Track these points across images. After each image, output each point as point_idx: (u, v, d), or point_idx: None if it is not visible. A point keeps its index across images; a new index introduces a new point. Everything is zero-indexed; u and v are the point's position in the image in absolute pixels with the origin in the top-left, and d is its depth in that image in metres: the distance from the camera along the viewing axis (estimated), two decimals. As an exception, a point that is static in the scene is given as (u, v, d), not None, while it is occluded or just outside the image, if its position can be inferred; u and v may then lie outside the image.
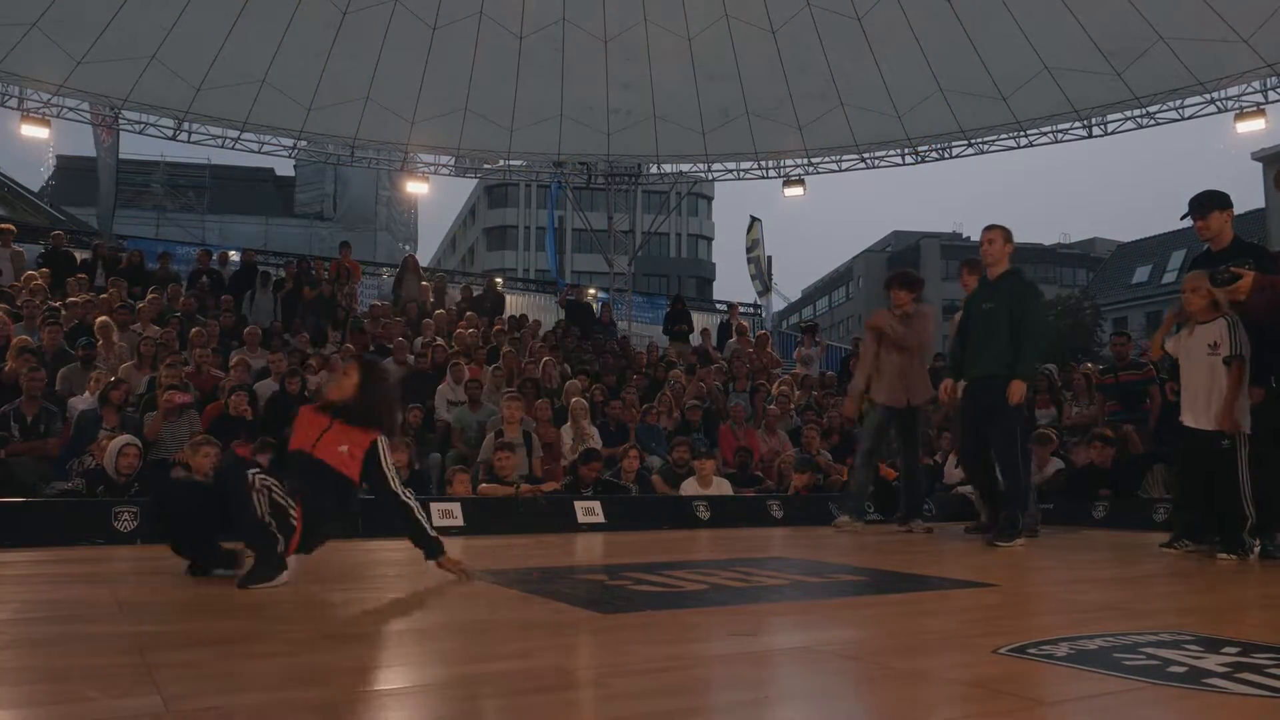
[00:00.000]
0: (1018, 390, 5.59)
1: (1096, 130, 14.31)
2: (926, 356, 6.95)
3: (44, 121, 14.44)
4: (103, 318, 9.35)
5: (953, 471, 8.55)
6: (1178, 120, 13.68)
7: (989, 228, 6.00)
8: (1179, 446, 5.15)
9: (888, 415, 6.75)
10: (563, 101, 15.46)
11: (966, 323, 6.14)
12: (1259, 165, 31.77)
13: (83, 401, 7.72)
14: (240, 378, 8.58)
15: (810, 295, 67.63)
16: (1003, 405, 5.63)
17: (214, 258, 13.85)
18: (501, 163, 18.18)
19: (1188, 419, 4.93)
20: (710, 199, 53.43)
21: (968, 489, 7.43)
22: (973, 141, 15.18)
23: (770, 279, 25.89)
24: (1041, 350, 5.93)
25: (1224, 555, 4.67)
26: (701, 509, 7.33)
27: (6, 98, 13.95)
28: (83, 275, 11.78)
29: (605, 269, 19.85)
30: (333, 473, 3.61)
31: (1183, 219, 5.24)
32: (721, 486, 7.93)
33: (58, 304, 10.04)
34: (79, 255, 13.15)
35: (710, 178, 17.80)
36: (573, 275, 35.70)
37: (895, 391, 6.67)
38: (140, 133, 15.21)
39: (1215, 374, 4.79)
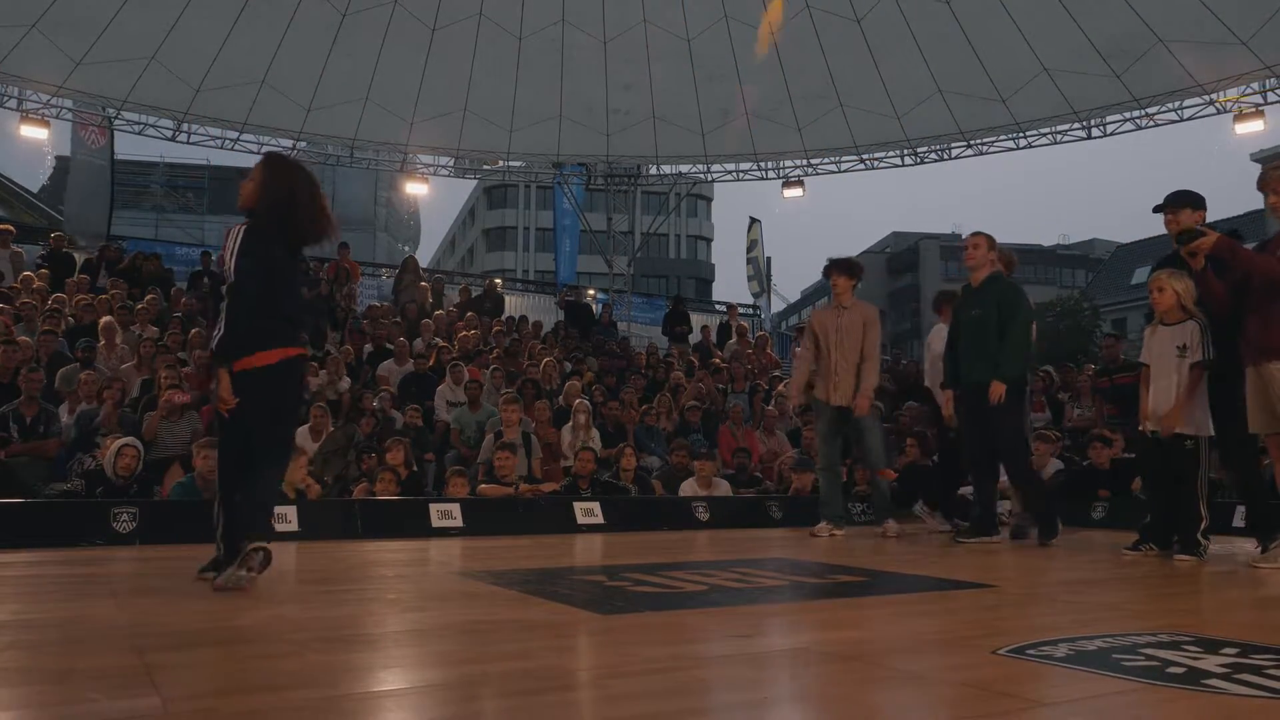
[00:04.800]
0: (996, 391, 5.62)
1: (1095, 131, 14.30)
2: (872, 361, 6.82)
3: (43, 122, 14.42)
4: (106, 318, 9.33)
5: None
6: (1177, 122, 13.68)
7: (974, 234, 6.06)
8: (1144, 451, 5.13)
9: (828, 414, 6.73)
10: (562, 102, 15.46)
11: (955, 331, 6.16)
12: (1258, 167, 31.76)
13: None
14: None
15: (810, 296, 67.55)
16: (998, 410, 5.65)
17: (215, 259, 13.85)
18: (501, 163, 18.17)
19: (1153, 423, 4.89)
20: (709, 200, 53.38)
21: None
22: (972, 143, 15.17)
23: (769, 280, 25.91)
24: (1024, 353, 5.90)
25: (1182, 557, 4.69)
26: (700, 510, 7.33)
27: (6, 98, 13.92)
28: (84, 276, 11.77)
29: (604, 270, 19.84)
30: None
31: (1155, 210, 5.27)
32: (720, 487, 7.93)
33: (56, 305, 10.02)
34: (80, 256, 13.14)
35: (709, 179, 17.79)
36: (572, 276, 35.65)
37: (825, 390, 6.71)
38: (139, 133, 15.20)
39: (1181, 377, 4.79)
